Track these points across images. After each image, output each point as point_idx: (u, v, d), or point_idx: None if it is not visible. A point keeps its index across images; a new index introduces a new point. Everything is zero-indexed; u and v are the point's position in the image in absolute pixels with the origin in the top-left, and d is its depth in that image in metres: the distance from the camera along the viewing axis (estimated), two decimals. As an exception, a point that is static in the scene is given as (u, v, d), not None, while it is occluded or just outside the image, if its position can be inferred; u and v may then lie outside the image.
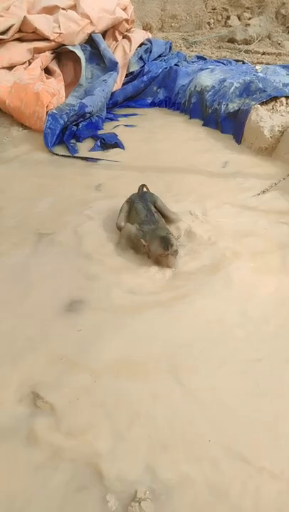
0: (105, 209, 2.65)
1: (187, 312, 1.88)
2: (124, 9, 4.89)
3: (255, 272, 2.11)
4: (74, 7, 4.47)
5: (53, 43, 4.31)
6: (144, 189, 2.62)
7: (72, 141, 3.80)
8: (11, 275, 2.14)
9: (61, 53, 4.50)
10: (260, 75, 4.29)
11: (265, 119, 3.41)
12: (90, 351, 1.69)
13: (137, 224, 2.30)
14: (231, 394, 1.52)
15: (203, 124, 4.08)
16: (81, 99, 4.04)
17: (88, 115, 3.96)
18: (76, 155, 3.57)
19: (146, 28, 7.48)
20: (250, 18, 7.53)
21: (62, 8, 4.38)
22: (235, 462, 1.32)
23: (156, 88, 4.70)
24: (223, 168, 3.22)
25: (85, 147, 3.77)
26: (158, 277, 2.08)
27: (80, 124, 3.92)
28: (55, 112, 3.74)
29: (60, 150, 3.63)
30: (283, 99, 3.80)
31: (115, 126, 4.10)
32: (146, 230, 2.22)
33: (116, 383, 1.56)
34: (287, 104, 3.78)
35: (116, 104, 4.55)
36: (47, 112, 3.74)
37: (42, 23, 4.17)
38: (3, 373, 1.61)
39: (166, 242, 2.09)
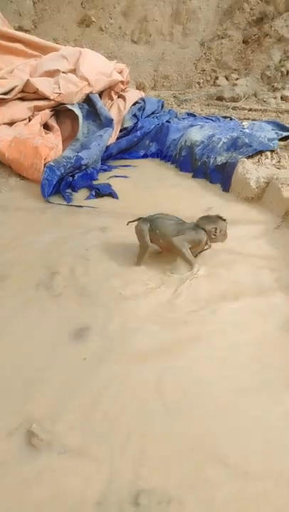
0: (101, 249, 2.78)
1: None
2: (120, 72, 5.31)
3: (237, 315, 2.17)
4: (74, 71, 4.86)
5: (53, 102, 4.63)
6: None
7: (68, 190, 3.97)
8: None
9: (60, 110, 4.82)
10: (247, 130, 4.60)
11: (251, 172, 3.61)
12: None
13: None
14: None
15: (193, 176, 4.30)
16: (78, 152, 4.28)
17: (84, 167, 4.17)
18: (71, 203, 3.72)
19: (140, 87, 8.05)
20: (237, 79, 8.13)
21: (63, 72, 4.76)
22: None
23: (148, 142, 4.99)
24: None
25: (80, 196, 3.93)
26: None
27: (76, 175, 4.12)
28: (52, 164, 3.95)
29: (56, 199, 3.78)
30: (268, 153, 4.06)
31: (110, 177, 4.30)
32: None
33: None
34: (272, 157, 4.03)
35: (110, 156, 4.81)
36: (45, 164, 3.95)
37: (43, 85, 4.51)
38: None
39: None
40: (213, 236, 2.49)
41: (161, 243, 2.56)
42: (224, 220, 2.51)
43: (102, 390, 1.75)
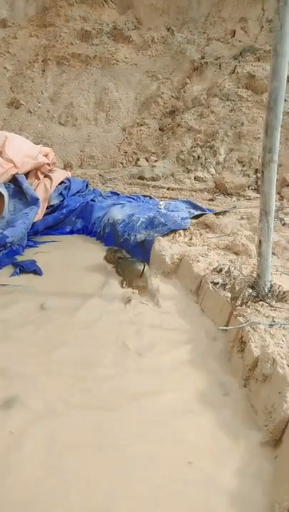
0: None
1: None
2: (46, 155, 5.70)
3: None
4: (0, 154, 5.11)
5: (-22, 182, 4.77)
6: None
7: (-8, 269, 4.00)
8: None
9: (-14, 189, 4.96)
10: (163, 210, 5.12)
11: (166, 249, 4.00)
12: None
13: None
14: None
15: (116, 251, 4.61)
16: (3, 230, 4.38)
17: (9, 244, 4.26)
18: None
19: (68, 165, 8.58)
20: (156, 161, 9.07)
21: (-11, 154, 4.98)
22: None
23: (74, 219, 5.28)
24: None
25: (5, 273, 3.97)
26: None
27: (1, 253, 4.18)
28: (-24, 242, 3.99)
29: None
30: (181, 231, 4.53)
31: (35, 253, 4.43)
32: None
33: None
34: (184, 235, 4.51)
35: (37, 232, 4.98)
36: None
37: None
38: None
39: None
40: None
41: None
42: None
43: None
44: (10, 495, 1.66)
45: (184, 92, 10.28)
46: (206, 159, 8.77)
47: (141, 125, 9.92)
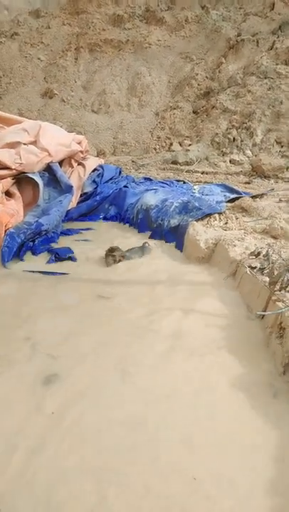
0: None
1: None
2: (79, 143, 5.71)
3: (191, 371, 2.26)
4: (34, 142, 5.17)
5: (14, 171, 4.86)
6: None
7: (29, 255, 4.08)
8: None
9: (21, 178, 5.06)
10: (197, 195, 5.00)
11: (200, 234, 3.89)
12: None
13: None
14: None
15: (150, 236, 4.56)
16: (38, 218, 4.46)
17: (44, 232, 4.32)
18: (31, 269, 3.80)
19: (101, 153, 8.59)
20: (189, 145, 8.87)
21: (24, 144, 5.06)
22: None
23: (107, 206, 5.28)
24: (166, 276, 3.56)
25: (41, 261, 4.04)
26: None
27: (37, 240, 4.25)
28: (13, 230, 4.08)
29: (14, 265, 3.86)
30: (216, 215, 4.41)
31: (70, 241, 4.47)
32: None
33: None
34: (220, 219, 4.37)
35: (71, 220, 5.03)
36: (5, 231, 4.07)
37: (5, 156, 4.75)
38: None
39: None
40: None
41: None
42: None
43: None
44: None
45: (219, 72, 9.92)
46: (242, 141, 8.46)
47: (174, 109, 9.72)
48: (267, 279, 2.80)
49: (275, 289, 2.62)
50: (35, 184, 4.97)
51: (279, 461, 1.72)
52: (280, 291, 2.61)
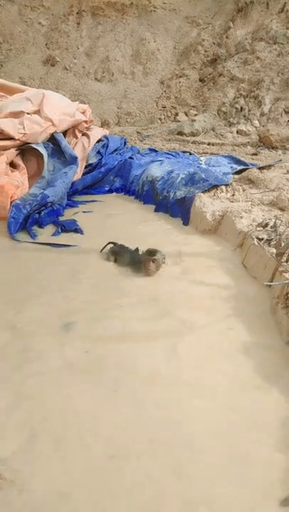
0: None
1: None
2: (83, 112, 5.59)
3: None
4: (38, 112, 5.06)
5: (18, 142, 4.79)
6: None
7: (34, 227, 4.08)
8: None
9: (25, 149, 4.99)
10: (203, 166, 4.92)
11: (207, 205, 3.87)
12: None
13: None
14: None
15: (155, 209, 4.53)
16: (43, 189, 4.43)
17: (50, 204, 4.31)
18: (37, 241, 3.81)
19: (105, 123, 8.40)
20: (196, 115, 8.65)
21: (27, 113, 4.95)
22: None
23: (112, 177, 5.22)
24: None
25: (47, 233, 4.04)
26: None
27: (43, 212, 4.24)
28: (18, 202, 4.07)
29: (22, 236, 3.87)
30: (223, 187, 4.36)
31: (75, 213, 4.46)
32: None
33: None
34: (226, 191, 4.33)
35: (76, 192, 4.99)
36: (11, 203, 4.06)
37: (8, 126, 4.67)
38: None
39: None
40: (146, 265, 3.01)
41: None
42: (160, 254, 3.06)
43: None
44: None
45: (227, 37, 9.52)
46: (249, 111, 8.24)
47: (180, 77, 9.42)
48: (274, 250, 2.80)
49: (282, 260, 2.63)
50: (40, 155, 4.90)
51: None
52: (286, 262, 2.62)
